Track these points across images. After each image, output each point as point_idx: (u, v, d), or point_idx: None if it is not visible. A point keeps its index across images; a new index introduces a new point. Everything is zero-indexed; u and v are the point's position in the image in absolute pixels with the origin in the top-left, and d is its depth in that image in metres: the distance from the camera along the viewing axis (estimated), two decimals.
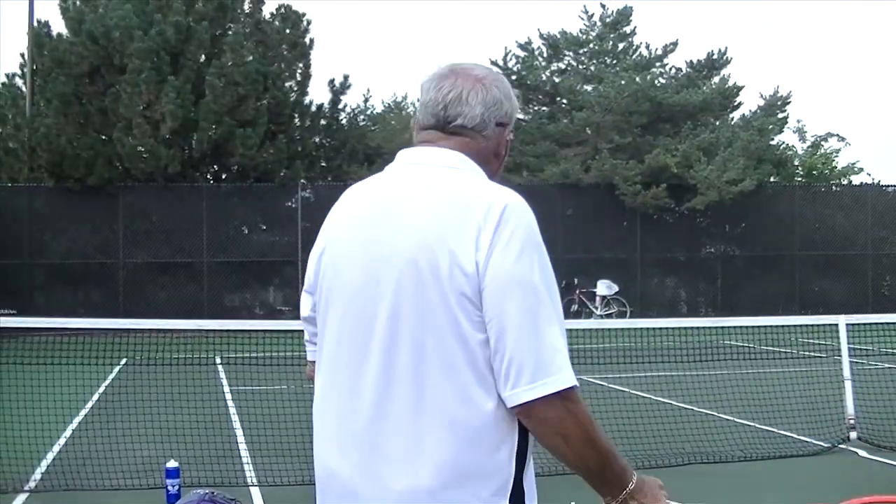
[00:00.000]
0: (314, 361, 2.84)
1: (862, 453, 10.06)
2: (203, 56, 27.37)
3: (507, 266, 2.42)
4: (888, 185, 32.56)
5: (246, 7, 28.83)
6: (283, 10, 28.95)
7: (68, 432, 10.97)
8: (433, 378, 2.46)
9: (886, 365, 15.38)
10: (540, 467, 2.93)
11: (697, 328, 13.97)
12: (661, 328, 12.98)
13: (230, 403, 13.24)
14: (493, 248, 2.43)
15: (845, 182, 34.48)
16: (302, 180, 27.75)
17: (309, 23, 29.05)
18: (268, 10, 29.13)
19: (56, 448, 10.09)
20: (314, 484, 2.72)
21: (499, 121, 2.71)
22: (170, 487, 7.52)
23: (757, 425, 11.42)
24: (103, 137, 26.32)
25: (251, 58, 27.19)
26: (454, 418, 2.45)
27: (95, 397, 13.44)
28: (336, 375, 2.64)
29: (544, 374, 2.40)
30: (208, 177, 28.72)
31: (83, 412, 12.26)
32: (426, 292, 2.46)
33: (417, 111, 2.76)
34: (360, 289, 2.58)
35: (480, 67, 2.75)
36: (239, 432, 11.13)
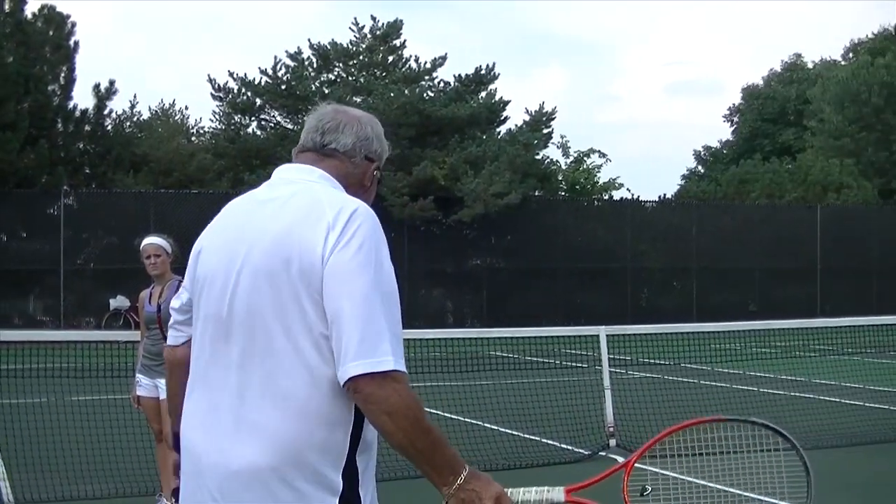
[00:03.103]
0: (173, 346, 3.28)
1: (621, 460, 10.34)
2: None
3: (345, 258, 2.71)
4: (646, 201, 33.93)
5: (6, 6, 27.77)
6: (46, 10, 28.13)
7: None
8: (280, 362, 2.75)
9: (643, 374, 15.90)
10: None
11: (464, 339, 14.12)
12: (427, 339, 13.04)
13: None
14: (337, 244, 2.72)
15: (606, 197, 35.62)
16: (65, 187, 27.12)
17: (74, 25, 28.42)
18: (30, 10, 28.30)
19: None
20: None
21: (368, 155, 3.12)
22: None
23: (522, 434, 11.65)
24: None
25: (11, 59, 26.25)
26: (299, 400, 2.73)
27: None
28: (201, 361, 2.96)
29: (370, 354, 2.65)
30: None
31: None
32: (279, 285, 2.76)
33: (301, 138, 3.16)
34: (222, 282, 2.90)
35: (360, 111, 3.20)
36: None
